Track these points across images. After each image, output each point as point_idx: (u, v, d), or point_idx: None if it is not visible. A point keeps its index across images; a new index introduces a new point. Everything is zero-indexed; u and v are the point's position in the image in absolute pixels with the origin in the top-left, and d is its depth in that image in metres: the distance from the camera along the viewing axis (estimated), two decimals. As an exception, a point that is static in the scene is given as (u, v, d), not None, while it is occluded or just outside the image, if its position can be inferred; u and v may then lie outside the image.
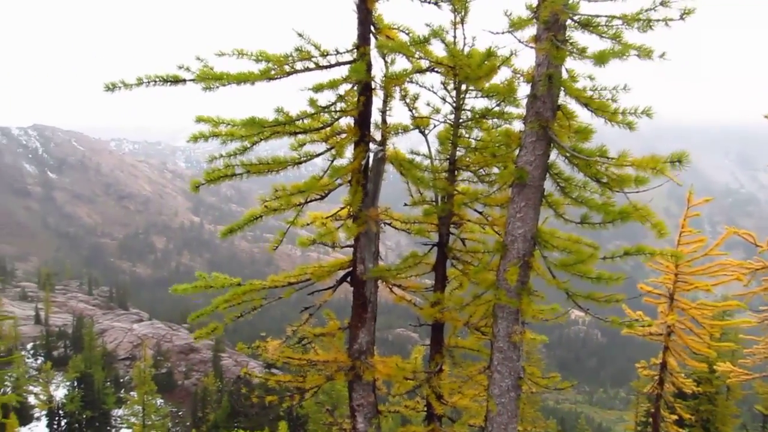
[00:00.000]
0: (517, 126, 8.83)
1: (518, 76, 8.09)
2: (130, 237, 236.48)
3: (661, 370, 18.25)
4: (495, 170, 9.38)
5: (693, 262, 16.68)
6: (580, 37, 7.19)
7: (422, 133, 9.36)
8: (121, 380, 68.34)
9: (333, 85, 7.91)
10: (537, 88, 7.46)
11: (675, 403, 19.35)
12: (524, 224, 7.83)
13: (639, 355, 23.47)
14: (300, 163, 8.43)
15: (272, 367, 38.26)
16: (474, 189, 9.56)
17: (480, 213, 9.75)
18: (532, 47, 7.54)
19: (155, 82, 7.07)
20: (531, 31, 7.48)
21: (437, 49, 8.32)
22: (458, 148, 9.46)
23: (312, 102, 8.10)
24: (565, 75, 7.42)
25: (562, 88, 7.48)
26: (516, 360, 8.20)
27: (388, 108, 8.82)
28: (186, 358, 78.16)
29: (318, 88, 7.82)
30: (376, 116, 8.83)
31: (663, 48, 6.53)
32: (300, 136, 8.49)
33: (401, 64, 8.42)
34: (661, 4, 6.44)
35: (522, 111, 8.14)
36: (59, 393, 59.16)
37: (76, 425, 54.69)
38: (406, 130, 9.21)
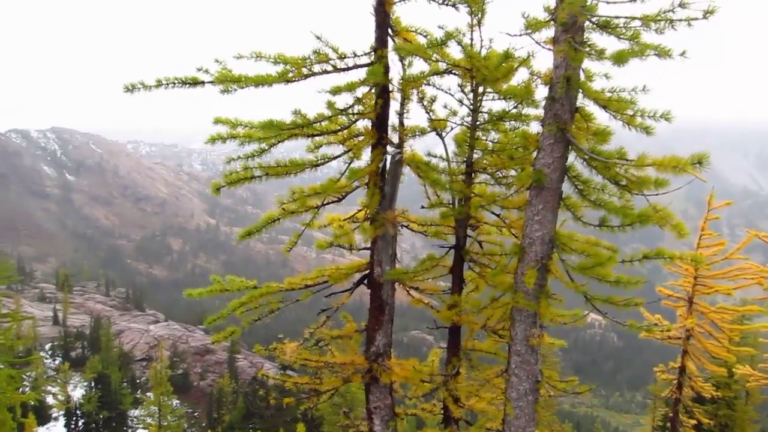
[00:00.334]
0: (535, 128, 8.80)
1: (536, 78, 8.04)
2: (147, 239, 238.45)
3: (679, 374, 18.09)
4: (512, 172, 9.33)
5: (712, 265, 16.51)
6: (597, 39, 7.14)
7: (439, 135, 9.34)
8: (138, 381, 68.78)
9: (351, 87, 7.91)
10: (555, 90, 7.42)
11: (693, 407, 19.15)
12: (542, 227, 7.78)
13: (655, 358, 23.30)
14: (318, 165, 8.43)
15: (287, 369, 38.39)
16: (491, 191, 9.53)
17: (497, 215, 9.71)
18: (549, 49, 7.48)
19: (174, 83, 7.13)
20: (548, 32, 7.43)
21: (454, 51, 8.32)
22: (475, 151, 9.44)
23: (330, 104, 8.11)
24: (582, 77, 7.37)
25: (581, 90, 7.43)
26: (534, 363, 8.16)
27: (405, 110, 8.81)
28: (201, 359, 78.53)
29: (336, 91, 7.82)
30: (393, 119, 8.83)
31: (684, 45, 6.43)
32: (317, 139, 8.51)
33: (418, 66, 8.43)
34: (680, 5, 6.37)
35: (539, 113, 8.07)
36: (77, 393, 59.67)
37: (93, 425, 55.10)
38: (423, 132, 9.19)
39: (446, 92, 9.02)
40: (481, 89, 9.05)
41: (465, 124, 9.33)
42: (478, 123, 9.26)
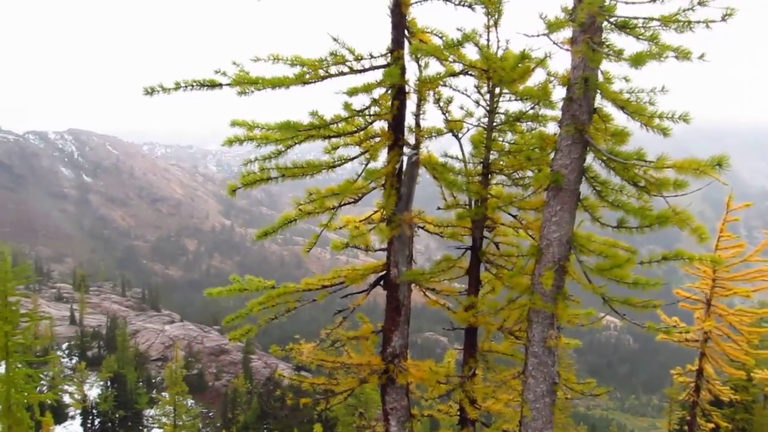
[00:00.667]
0: (551, 129, 8.76)
1: (553, 78, 8.01)
2: (163, 239, 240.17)
3: (697, 377, 17.94)
4: (529, 173, 9.31)
5: (731, 267, 16.36)
6: (616, 39, 7.09)
7: (456, 136, 9.34)
8: (153, 381, 69.27)
9: (367, 88, 7.91)
10: (573, 91, 7.38)
11: (711, 410, 18.96)
12: (560, 228, 7.75)
13: (671, 361, 23.09)
14: (335, 166, 8.43)
15: (301, 370, 38.50)
16: (508, 192, 9.51)
17: (514, 216, 9.69)
18: (567, 50, 7.44)
19: (192, 86, 7.19)
20: (566, 33, 7.39)
21: (471, 52, 8.28)
22: (492, 152, 9.42)
23: (346, 106, 8.11)
24: (600, 77, 7.33)
25: (599, 91, 7.39)
26: (551, 365, 8.12)
27: (421, 111, 8.79)
28: (217, 359, 78.95)
29: (352, 92, 7.82)
30: (409, 120, 8.81)
31: (701, 46, 6.38)
32: (334, 140, 8.51)
33: (435, 67, 8.40)
34: (699, 3, 6.31)
35: (556, 113, 8.04)
36: (93, 392, 60.24)
37: (109, 424, 55.67)
38: (439, 133, 9.18)
39: (462, 93, 9.02)
40: (497, 90, 9.04)
41: (481, 125, 9.32)
42: (494, 124, 9.24)
